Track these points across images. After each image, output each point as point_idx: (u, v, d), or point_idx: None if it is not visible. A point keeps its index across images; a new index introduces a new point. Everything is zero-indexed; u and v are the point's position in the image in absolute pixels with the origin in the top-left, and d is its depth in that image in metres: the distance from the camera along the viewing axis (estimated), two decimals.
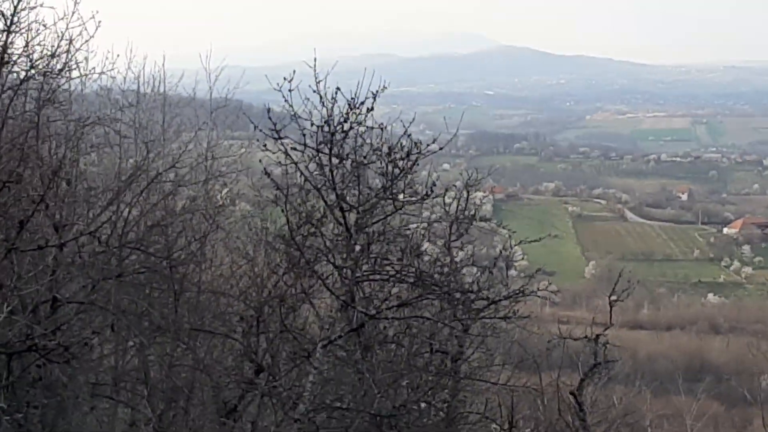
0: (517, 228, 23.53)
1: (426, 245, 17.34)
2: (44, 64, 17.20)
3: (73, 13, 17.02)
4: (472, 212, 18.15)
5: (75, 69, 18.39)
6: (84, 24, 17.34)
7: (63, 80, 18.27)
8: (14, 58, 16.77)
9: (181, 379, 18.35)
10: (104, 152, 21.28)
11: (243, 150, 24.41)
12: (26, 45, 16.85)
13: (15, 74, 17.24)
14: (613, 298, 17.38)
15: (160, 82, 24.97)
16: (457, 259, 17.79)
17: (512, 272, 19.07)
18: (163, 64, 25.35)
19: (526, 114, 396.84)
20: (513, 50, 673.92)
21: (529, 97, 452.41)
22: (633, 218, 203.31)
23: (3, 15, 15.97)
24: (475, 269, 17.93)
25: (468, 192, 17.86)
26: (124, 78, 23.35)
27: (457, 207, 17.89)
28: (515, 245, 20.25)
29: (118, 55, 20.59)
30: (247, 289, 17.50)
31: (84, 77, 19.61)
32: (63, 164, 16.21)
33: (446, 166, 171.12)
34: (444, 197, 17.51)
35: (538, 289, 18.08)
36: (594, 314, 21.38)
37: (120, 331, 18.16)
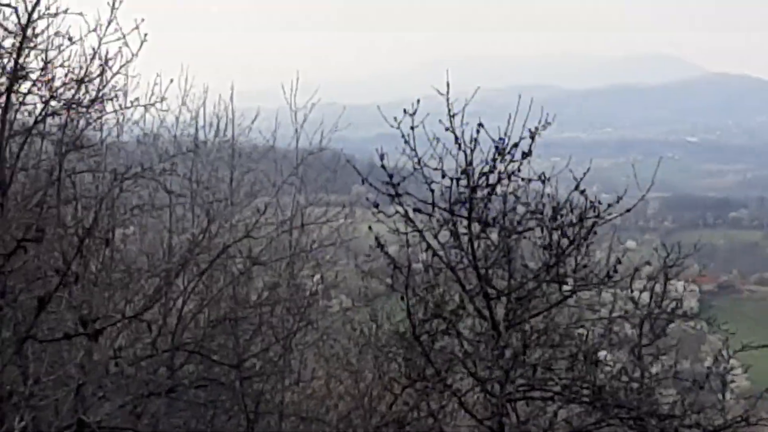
0: (736, 330, 23.25)
1: (606, 351, 17.23)
2: (69, 94, 17.25)
3: (110, 22, 17.07)
4: (672, 306, 17.98)
5: (110, 100, 18.34)
6: (124, 37, 17.32)
7: (94, 116, 18.38)
8: (28, 86, 16.91)
9: None
10: (149, 219, 21.55)
11: (343, 219, 24.44)
12: (44, 67, 16.99)
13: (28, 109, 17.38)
14: None
15: (226, 124, 25.26)
16: (652, 372, 17.62)
17: (728, 393, 18.82)
18: (231, 99, 25.64)
19: (745, 170, 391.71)
20: (726, 79, 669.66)
21: (750, 146, 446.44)
22: None
23: (18, 17, 16.02)
24: (676, 387, 17.74)
25: (666, 277, 17.68)
26: (177, 118, 23.69)
27: (651, 298, 17.73)
28: (733, 354, 19.98)
29: (171, 80, 20.57)
30: (349, 413, 17.54)
31: (122, 112, 19.68)
32: (93, 231, 16.21)
33: (631, 243, 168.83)
34: (631, 284, 17.35)
35: None
36: None
37: None
